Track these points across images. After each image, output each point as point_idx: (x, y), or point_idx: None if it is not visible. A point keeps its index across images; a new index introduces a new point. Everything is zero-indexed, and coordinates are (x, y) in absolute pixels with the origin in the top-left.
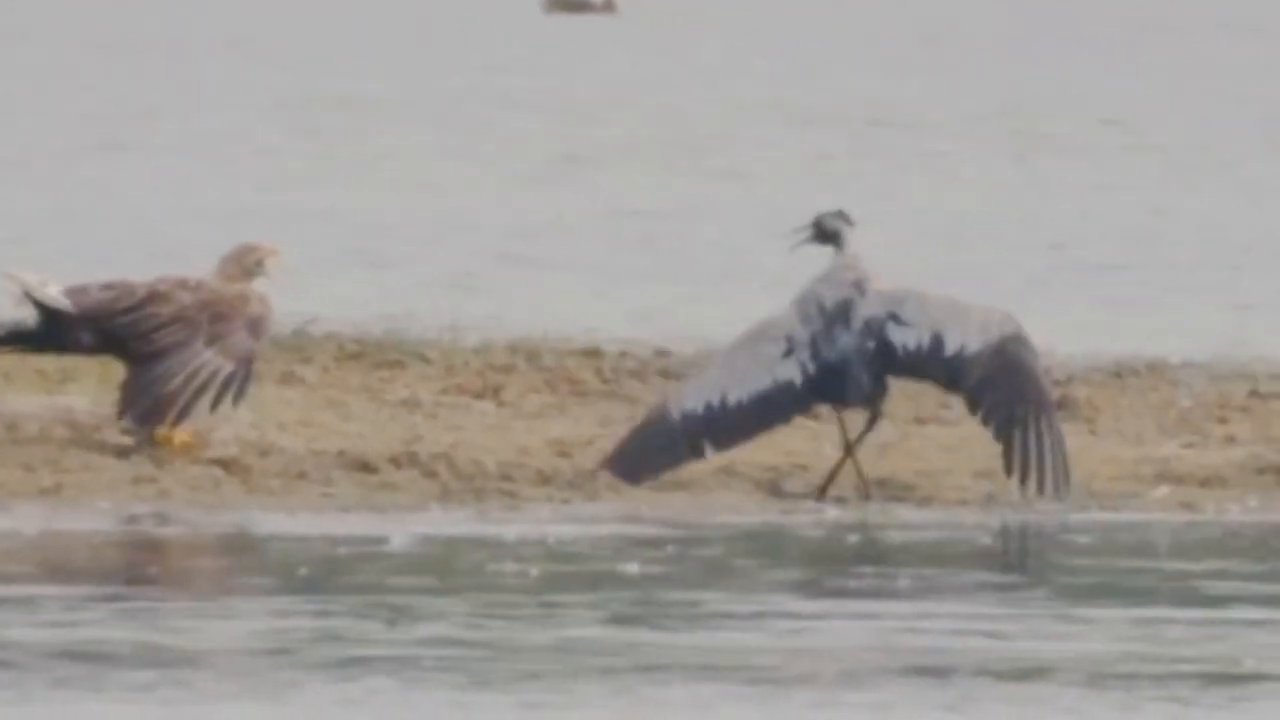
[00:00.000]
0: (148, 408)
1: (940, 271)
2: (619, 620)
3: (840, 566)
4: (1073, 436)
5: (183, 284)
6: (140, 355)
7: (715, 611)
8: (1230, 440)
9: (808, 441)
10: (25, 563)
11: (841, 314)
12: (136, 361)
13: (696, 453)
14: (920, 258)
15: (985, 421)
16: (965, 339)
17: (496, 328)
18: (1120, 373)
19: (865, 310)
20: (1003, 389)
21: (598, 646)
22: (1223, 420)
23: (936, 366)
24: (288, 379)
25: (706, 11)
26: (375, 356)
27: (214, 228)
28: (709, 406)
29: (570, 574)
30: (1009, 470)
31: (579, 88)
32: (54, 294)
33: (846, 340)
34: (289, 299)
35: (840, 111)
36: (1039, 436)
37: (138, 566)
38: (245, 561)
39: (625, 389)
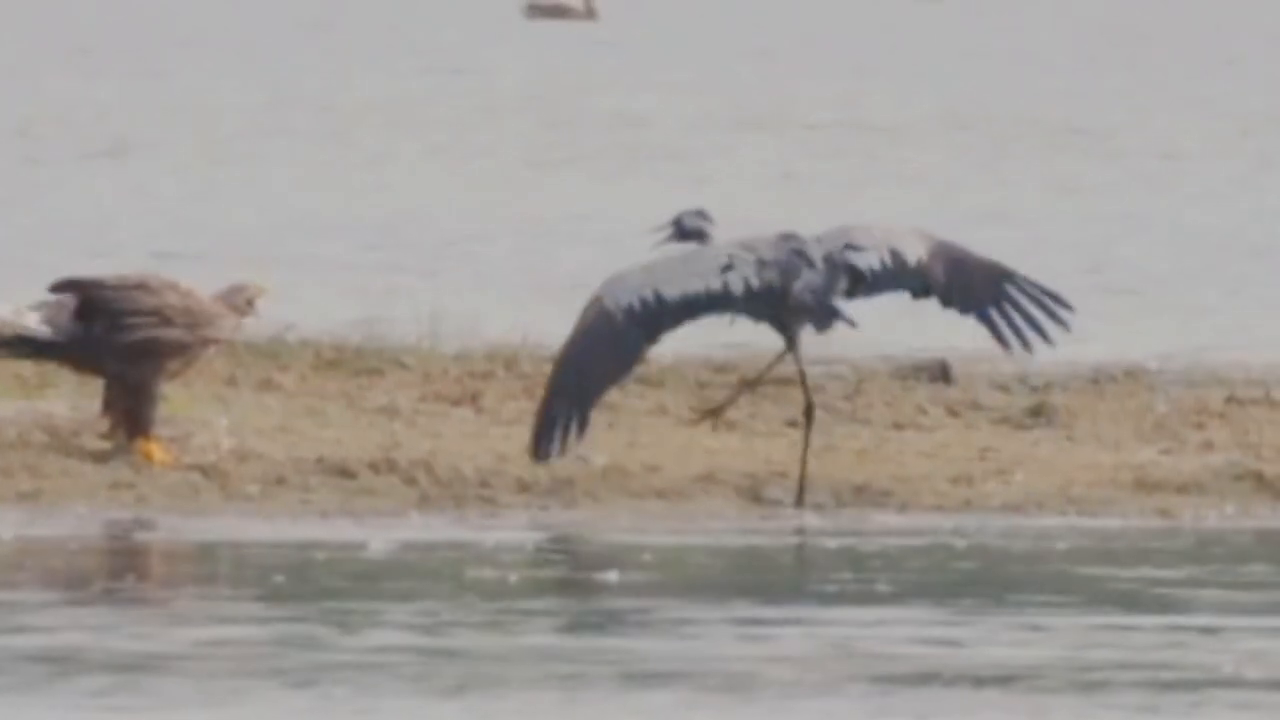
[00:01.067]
0: (125, 420)
1: None
2: (592, 628)
3: (817, 573)
4: (1050, 443)
5: (174, 286)
6: (115, 351)
7: (687, 619)
8: (1207, 446)
9: (788, 450)
10: None
11: (800, 254)
12: (111, 372)
13: (636, 348)
14: None
15: (964, 312)
16: (915, 248)
17: (474, 335)
18: (1098, 379)
19: (819, 249)
20: (965, 278)
21: (567, 654)
22: (1200, 426)
23: (907, 278)
24: (266, 385)
25: (686, 17)
26: (354, 363)
27: (190, 234)
28: (645, 302)
29: (547, 581)
30: (1002, 343)
31: (551, 93)
32: (33, 323)
33: (814, 276)
34: (264, 306)
35: (808, 117)
36: (1013, 302)
37: (107, 572)
38: (217, 567)
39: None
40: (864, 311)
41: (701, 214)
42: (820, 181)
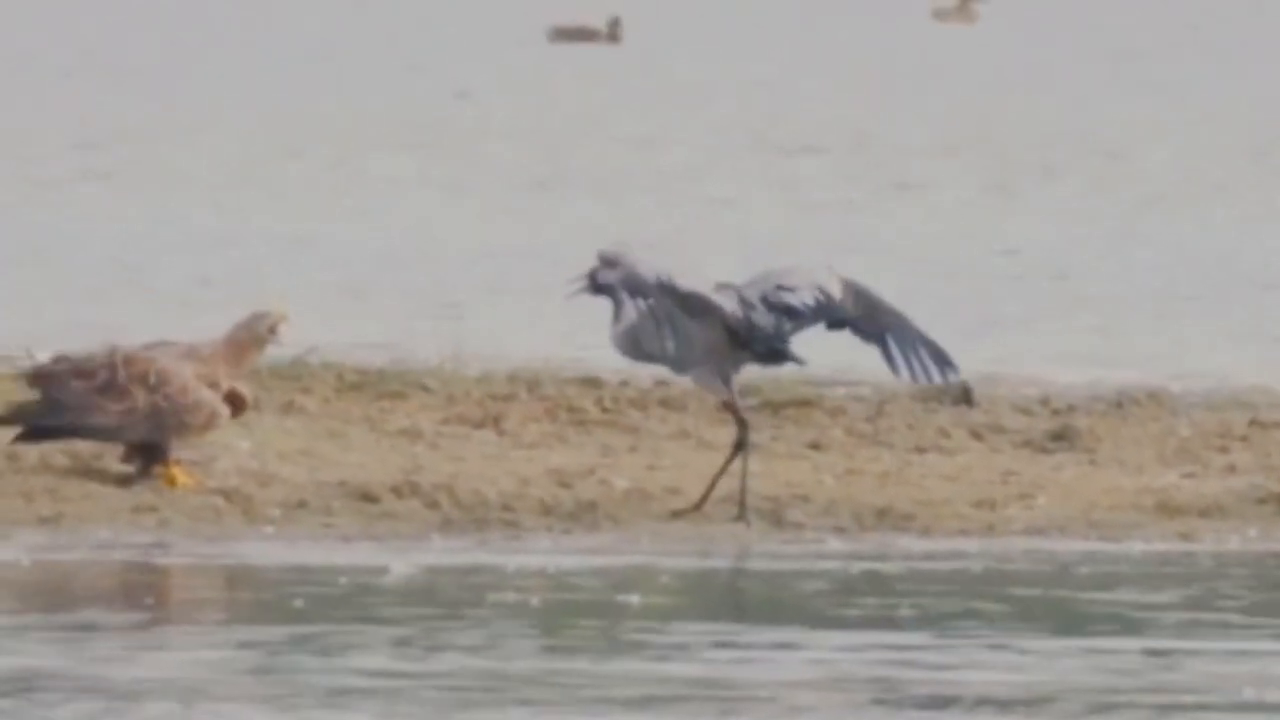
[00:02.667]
0: (141, 454)
1: (936, 300)
2: (614, 650)
3: (839, 597)
4: (1073, 467)
5: (143, 378)
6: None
7: (708, 641)
8: (1230, 470)
9: (810, 473)
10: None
11: (744, 300)
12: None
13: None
14: (911, 287)
15: (867, 338)
16: (833, 285)
17: (496, 357)
18: (1121, 402)
19: (753, 292)
20: (870, 309)
21: (589, 677)
22: (1223, 450)
23: (831, 311)
24: (288, 409)
25: (712, 42)
26: (376, 386)
27: (204, 258)
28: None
29: (570, 604)
30: (894, 367)
31: (565, 116)
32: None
33: (764, 317)
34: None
35: (822, 140)
36: (911, 335)
37: (114, 596)
38: (229, 592)
39: (625, 418)
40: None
41: (613, 261)
42: (834, 205)
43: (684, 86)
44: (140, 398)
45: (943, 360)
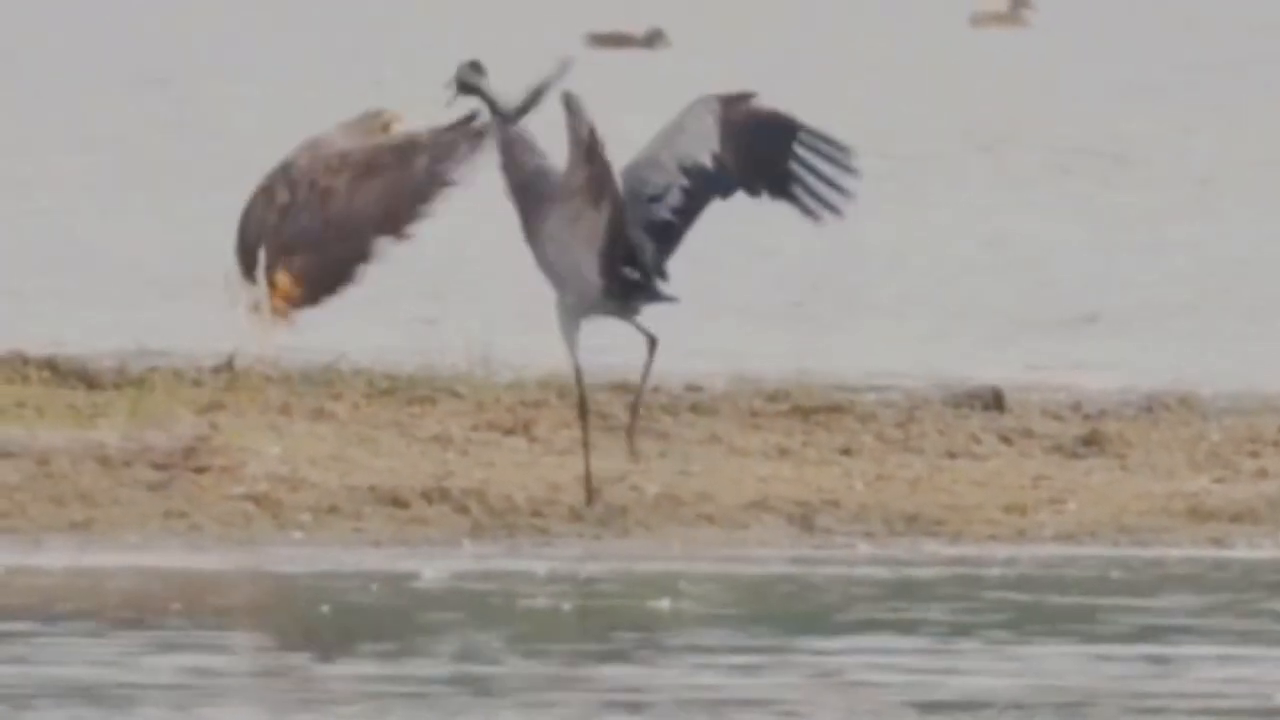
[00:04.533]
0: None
1: (967, 306)
2: (643, 656)
3: (869, 603)
4: (1104, 472)
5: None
6: None
7: (738, 646)
8: (1261, 474)
9: (840, 478)
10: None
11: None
12: None
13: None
14: (940, 292)
15: (756, 193)
16: (704, 151)
17: (527, 363)
18: (1151, 407)
19: (634, 220)
20: (755, 158)
21: (619, 682)
22: (1254, 454)
23: (712, 188)
24: (319, 415)
25: (755, 48)
26: (406, 392)
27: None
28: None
29: (600, 609)
30: (811, 215)
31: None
32: None
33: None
34: (317, 335)
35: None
36: (804, 163)
37: (124, 602)
38: (259, 597)
39: (656, 424)
40: (916, 340)
41: (476, 66)
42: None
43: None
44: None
45: (843, 161)
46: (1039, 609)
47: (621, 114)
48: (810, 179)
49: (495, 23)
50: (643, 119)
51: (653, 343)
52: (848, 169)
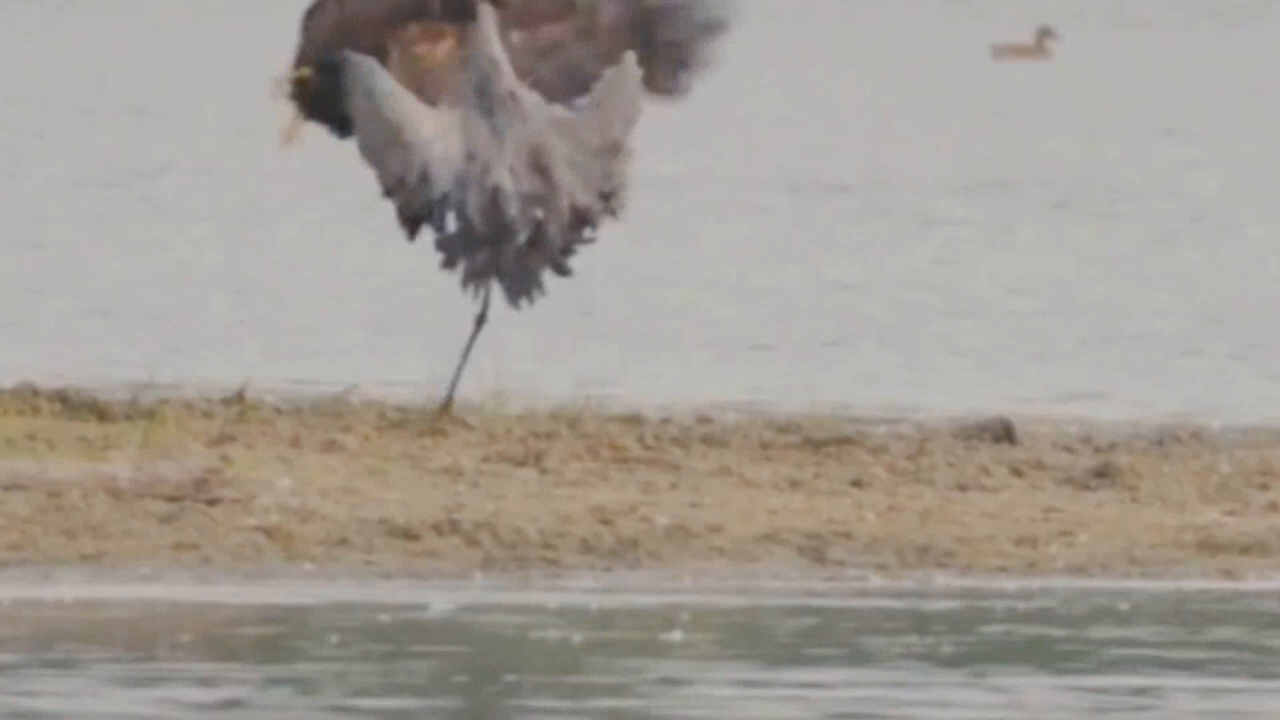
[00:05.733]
0: None
1: (976, 338)
2: (657, 690)
3: (881, 636)
4: (1114, 504)
5: None
6: None
7: (749, 680)
8: (1272, 507)
9: (852, 510)
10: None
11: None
12: None
13: None
14: (949, 324)
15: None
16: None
17: (538, 395)
18: (1162, 440)
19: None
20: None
21: (629, 716)
22: (1264, 487)
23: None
24: (329, 446)
25: (762, 79)
26: (417, 424)
27: (245, 296)
28: None
29: (611, 642)
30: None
31: None
32: None
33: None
34: (326, 368)
35: (845, 178)
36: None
37: (134, 635)
38: (265, 628)
39: (667, 455)
40: (928, 371)
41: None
42: (857, 243)
43: (721, 121)
44: None
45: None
46: (1051, 641)
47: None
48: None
49: None
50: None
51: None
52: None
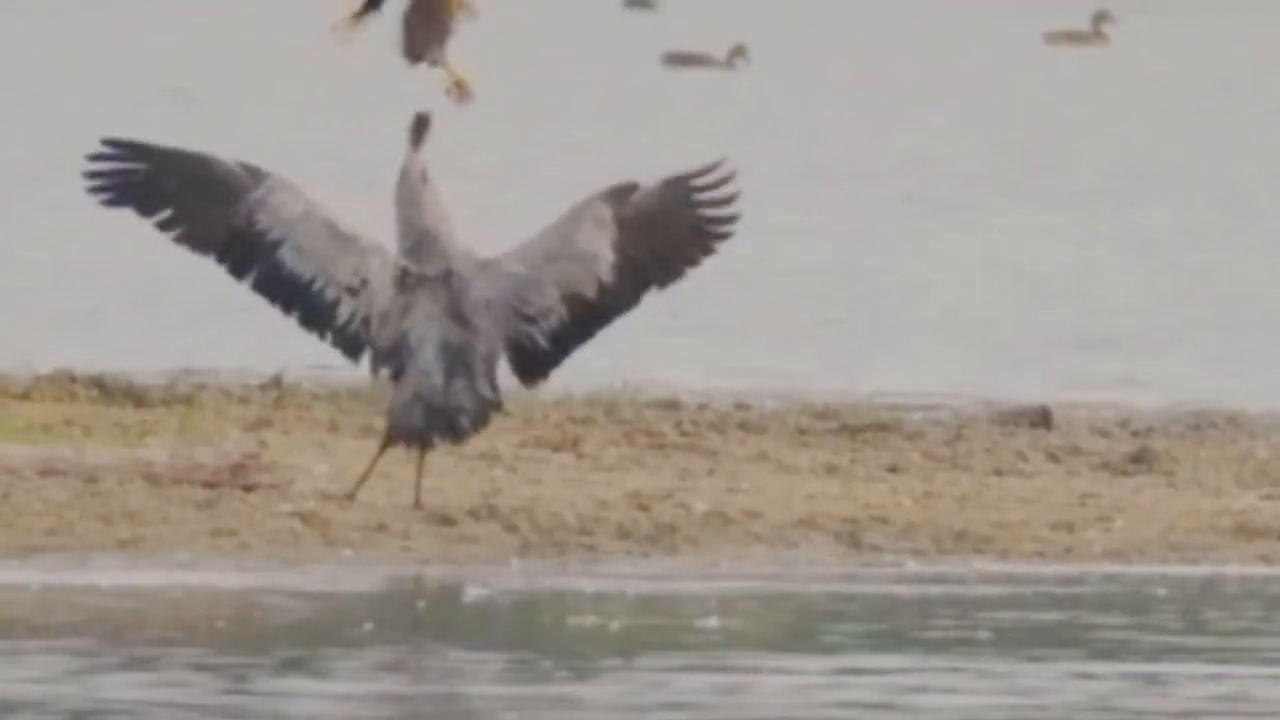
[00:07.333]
0: None
1: (1015, 324)
2: (694, 675)
3: (917, 621)
4: (1151, 490)
5: None
6: None
7: (786, 666)
8: None
9: (888, 496)
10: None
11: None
12: None
13: None
14: (990, 310)
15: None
16: (593, 271)
17: (575, 380)
18: (1199, 425)
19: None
20: (658, 245)
21: (667, 701)
22: None
23: (597, 321)
24: (367, 432)
25: (841, 66)
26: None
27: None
28: None
29: (648, 628)
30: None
31: (641, 142)
32: None
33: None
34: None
35: (882, 165)
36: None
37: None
38: (302, 615)
39: (704, 441)
40: (964, 357)
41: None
42: (889, 232)
43: (781, 113)
44: None
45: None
46: (1089, 627)
47: (697, 140)
48: (706, 225)
49: (572, 41)
50: (704, 139)
51: None
52: (723, 193)
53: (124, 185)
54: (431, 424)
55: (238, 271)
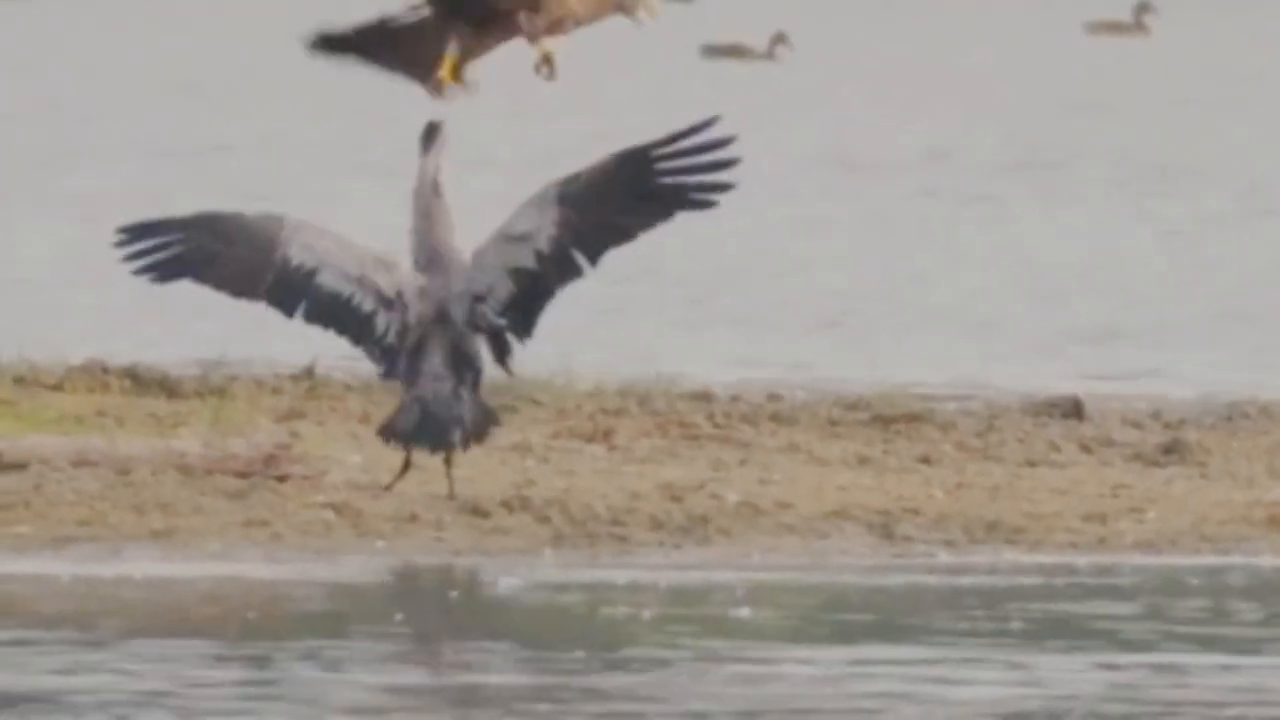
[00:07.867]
0: None
1: (1046, 315)
2: (726, 666)
3: (949, 612)
4: (1184, 481)
5: None
6: None
7: (815, 658)
8: None
9: (920, 487)
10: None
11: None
12: None
13: None
14: (1020, 301)
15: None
16: (530, 247)
17: (607, 371)
18: (1231, 416)
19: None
20: (601, 218)
21: (697, 692)
22: None
23: (541, 299)
24: None
25: (881, 58)
26: (486, 400)
27: None
28: None
29: (680, 618)
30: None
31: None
32: None
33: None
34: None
35: (915, 158)
36: (673, 182)
37: (205, 611)
38: (335, 605)
39: (737, 432)
40: (997, 348)
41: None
42: (921, 224)
43: (809, 103)
44: None
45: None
46: (1120, 618)
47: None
48: (682, 184)
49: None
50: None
51: None
52: (720, 156)
53: (172, 260)
54: (421, 430)
55: (286, 308)
